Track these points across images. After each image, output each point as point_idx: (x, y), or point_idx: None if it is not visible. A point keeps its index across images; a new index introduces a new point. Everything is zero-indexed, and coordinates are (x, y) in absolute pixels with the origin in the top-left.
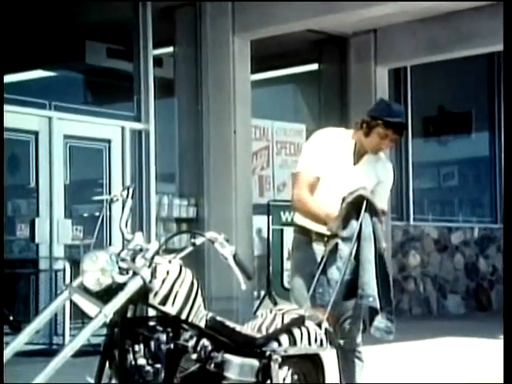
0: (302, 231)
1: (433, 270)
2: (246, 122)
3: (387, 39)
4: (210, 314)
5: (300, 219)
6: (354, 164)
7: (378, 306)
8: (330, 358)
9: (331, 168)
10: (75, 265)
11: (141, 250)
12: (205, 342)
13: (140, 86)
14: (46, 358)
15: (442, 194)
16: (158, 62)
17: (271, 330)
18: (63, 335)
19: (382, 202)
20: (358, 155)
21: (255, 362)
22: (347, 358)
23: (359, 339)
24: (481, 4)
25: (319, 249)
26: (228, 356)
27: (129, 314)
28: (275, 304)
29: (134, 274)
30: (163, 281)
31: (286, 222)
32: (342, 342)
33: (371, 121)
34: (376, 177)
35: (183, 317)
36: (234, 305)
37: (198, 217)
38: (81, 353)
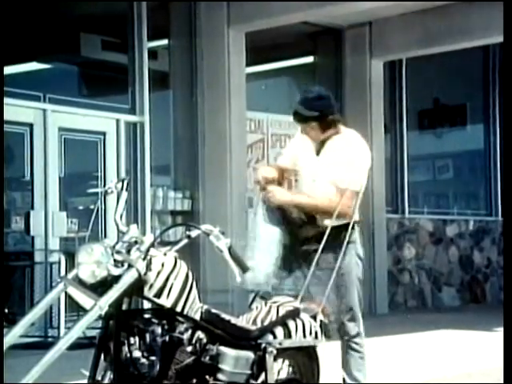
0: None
1: (428, 263)
2: (240, 115)
3: (382, 32)
4: (205, 307)
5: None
6: (317, 154)
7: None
8: (324, 350)
9: (299, 162)
10: (70, 257)
11: (136, 242)
12: (200, 334)
13: (135, 79)
14: (41, 350)
15: (436, 186)
16: (152, 54)
17: (266, 323)
18: (58, 328)
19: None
20: (318, 145)
21: (250, 355)
22: (346, 350)
23: (356, 330)
24: None
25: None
26: (223, 348)
27: (124, 307)
28: (270, 297)
29: (129, 266)
30: (158, 273)
31: None
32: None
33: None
34: (345, 157)
35: (178, 309)
36: (229, 297)
37: (193, 209)
38: (76, 345)
